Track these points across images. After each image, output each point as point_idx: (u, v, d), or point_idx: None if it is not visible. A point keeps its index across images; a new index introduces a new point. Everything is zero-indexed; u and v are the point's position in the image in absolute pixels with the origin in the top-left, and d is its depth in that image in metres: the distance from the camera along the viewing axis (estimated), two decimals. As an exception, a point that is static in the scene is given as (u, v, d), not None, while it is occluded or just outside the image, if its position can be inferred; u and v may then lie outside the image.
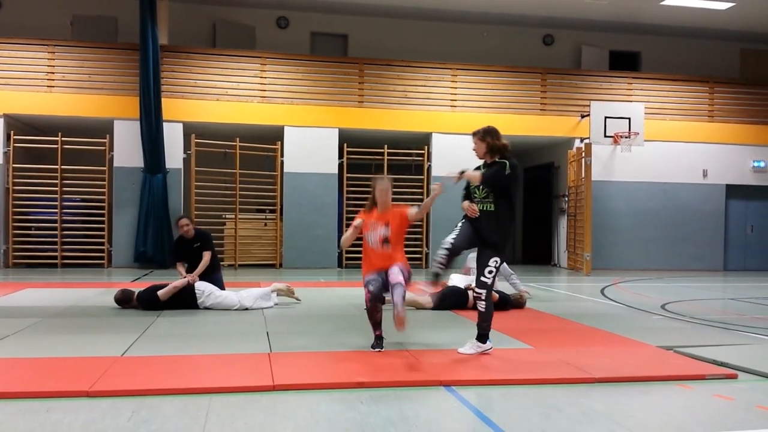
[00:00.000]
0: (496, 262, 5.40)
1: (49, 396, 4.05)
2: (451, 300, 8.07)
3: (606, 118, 15.13)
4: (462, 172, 5.38)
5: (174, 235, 14.17)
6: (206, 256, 8.21)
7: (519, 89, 16.15)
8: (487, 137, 5.48)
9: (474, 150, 5.56)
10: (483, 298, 5.42)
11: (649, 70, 18.09)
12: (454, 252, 5.42)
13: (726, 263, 16.94)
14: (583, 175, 15.16)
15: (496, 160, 5.46)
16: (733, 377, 4.82)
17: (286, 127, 15.07)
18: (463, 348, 5.48)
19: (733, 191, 16.95)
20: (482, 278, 5.42)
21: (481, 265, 5.45)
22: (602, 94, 16.27)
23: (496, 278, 8.43)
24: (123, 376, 4.51)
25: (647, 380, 4.73)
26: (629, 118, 15.25)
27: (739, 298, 10.63)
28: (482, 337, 5.48)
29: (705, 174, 16.70)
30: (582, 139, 15.79)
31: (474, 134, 5.55)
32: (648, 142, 15.61)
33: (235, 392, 4.22)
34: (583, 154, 15.12)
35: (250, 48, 16.03)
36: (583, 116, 15.91)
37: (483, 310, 5.44)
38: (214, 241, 8.80)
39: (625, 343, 6.04)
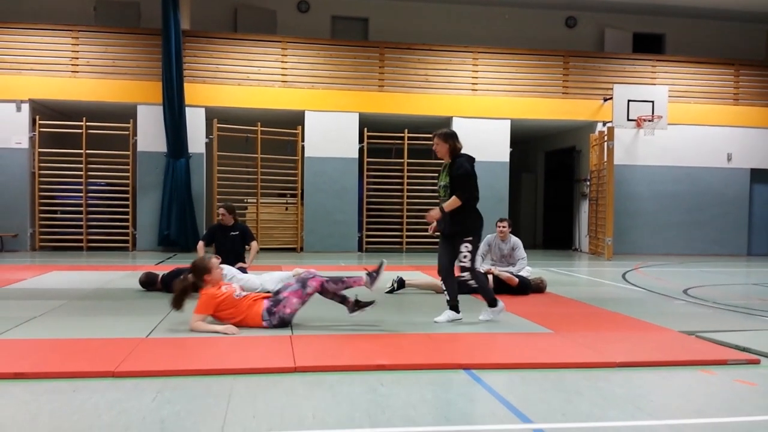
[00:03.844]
0: (467, 246, 6.02)
1: (76, 376, 4.13)
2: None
3: (629, 101, 14.96)
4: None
5: (198, 219, 14.48)
6: (255, 244, 9.03)
7: (541, 72, 16.01)
8: (450, 139, 6.11)
9: (435, 150, 6.16)
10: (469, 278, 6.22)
11: (673, 52, 17.82)
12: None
13: (750, 248, 16.74)
14: (605, 159, 15.04)
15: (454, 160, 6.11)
16: (756, 362, 4.79)
17: (306, 112, 15.09)
18: (438, 317, 6.12)
19: (759, 175, 16.70)
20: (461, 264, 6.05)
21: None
22: (625, 77, 16.07)
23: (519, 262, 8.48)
24: (147, 357, 4.58)
25: (668, 365, 4.71)
26: (653, 102, 15.07)
27: (762, 283, 10.51)
28: (492, 301, 6.20)
29: (729, 158, 16.47)
30: (604, 123, 15.65)
31: (440, 134, 6.14)
32: (672, 125, 15.42)
33: (257, 374, 4.28)
34: (606, 138, 14.99)
35: (271, 32, 16.04)
36: (605, 99, 15.75)
37: (476, 285, 6.28)
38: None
39: (646, 327, 6.01)
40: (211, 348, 4.88)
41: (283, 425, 3.37)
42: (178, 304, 5.59)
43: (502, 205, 15.29)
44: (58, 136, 14.93)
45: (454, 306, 6.14)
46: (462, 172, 5.97)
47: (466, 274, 6.08)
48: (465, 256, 5.96)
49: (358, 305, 5.87)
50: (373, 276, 5.83)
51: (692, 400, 3.96)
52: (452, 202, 5.93)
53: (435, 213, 6.08)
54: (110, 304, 7.09)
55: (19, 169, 14.12)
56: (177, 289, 5.66)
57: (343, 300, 5.92)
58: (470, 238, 5.98)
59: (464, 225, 5.98)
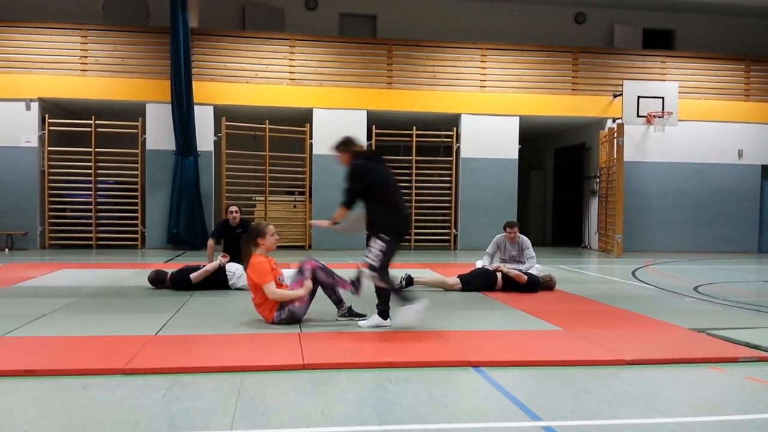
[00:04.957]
0: (379, 244, 5.52)
1: (86, 373, 4.15)
2: (480, 281, 8.07)
3: (639, 97, 14.89)
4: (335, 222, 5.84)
5: (206, 217, 14.51)
6: None
7: (550, 69, 15.94)
8: (346, 147, 5.92)
9: (342, 163, 5.90)
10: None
11: (683, 48, 17.71)
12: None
13: (761, 245, 16.62)
14: (614, 156, 14.96)
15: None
16: (766, 360, 4.76)
17: (314, 110, 15.09)
18: (363, 321, 5.73)
19: (770, 172, 16.60)
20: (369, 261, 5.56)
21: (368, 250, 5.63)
22: (635, 73, 15.98)
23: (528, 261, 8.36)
24: (157, 354, 4.60)
25: (679, 362, 4.68)
26: (663, 98, 14.98)
27: (774, 280, 10.45)
28: (383, 313, 5.69)
29: (740, 154, 16.35)
30: (614, 119, 15.58)
31: (335, 148, 5.93)
32: (682, 121, 15.34)
33: (266, 371, 4.28)
34: (615, 135, 14.91)
35: (279, 30, 16.06)
36: (615, 96, 15.67)
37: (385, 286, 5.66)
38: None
39: (656, 325, 5.98)
40: (221, 345, 4.89)
41: (292, 422, 3.37)
42: (246, 260, 5.92)
43: (511, 203, 15.22)
44: (67, 134, 14.99)
45: (383, 312, 5.69)
46: (346, 177, 5.73)
47: (374, 274, 5.52)
48: (376, 255, 5.48)
49: (350, 313, 5.94)
50: (356, 285, 5.80)
51: (703, 397, 3.94)
52: (338, 211, 5.76)
53: (321, 221, 5.99)
54: (119, 301, 7.12)
55: (28, 168, 14.19)
56: (244, 251, 5.98)
57: (338, 302, 5.99)
58: (386, 237, 5.52)
59: (378, 224, 5.60)
